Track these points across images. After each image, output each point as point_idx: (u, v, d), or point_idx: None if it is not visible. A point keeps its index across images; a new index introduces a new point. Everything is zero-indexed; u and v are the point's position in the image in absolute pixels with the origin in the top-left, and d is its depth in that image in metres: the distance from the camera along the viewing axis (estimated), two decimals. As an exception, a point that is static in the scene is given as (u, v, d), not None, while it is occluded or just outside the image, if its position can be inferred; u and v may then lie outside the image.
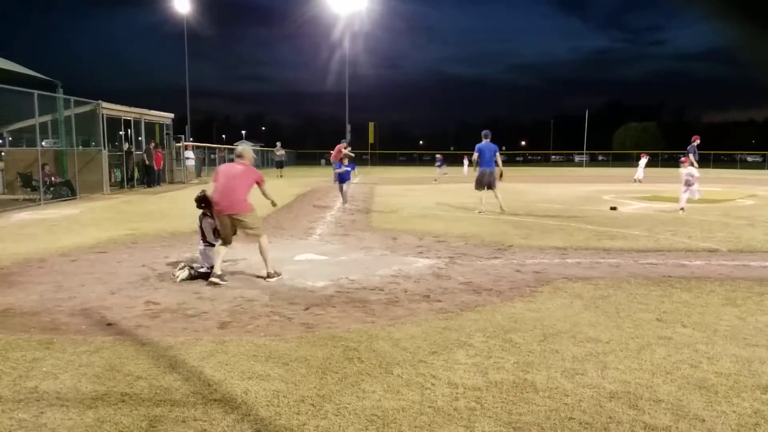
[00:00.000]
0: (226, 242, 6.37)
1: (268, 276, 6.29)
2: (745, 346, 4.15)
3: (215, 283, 5.98)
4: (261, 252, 6.37)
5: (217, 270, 6.14)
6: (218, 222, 6.36)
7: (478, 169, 12.88)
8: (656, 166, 48.01)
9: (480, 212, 12.75)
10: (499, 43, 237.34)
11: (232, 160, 6.92)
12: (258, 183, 6.43)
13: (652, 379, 3.56)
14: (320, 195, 18.56)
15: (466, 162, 36.75)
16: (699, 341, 4.26)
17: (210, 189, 6.44)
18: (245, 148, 6.84)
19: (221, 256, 6.29)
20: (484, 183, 12.82)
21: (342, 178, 14.14)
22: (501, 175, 13.07)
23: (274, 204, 6.83)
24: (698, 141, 19.49)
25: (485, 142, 12.76)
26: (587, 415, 3.07)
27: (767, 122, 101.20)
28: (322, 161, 53.87)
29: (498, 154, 12.83)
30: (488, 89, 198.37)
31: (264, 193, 6.56)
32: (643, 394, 3.33)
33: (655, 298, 5.50)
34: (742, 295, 5.64)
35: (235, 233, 6.38)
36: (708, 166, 51.10)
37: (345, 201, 14.20)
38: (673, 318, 4.85)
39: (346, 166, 14.31)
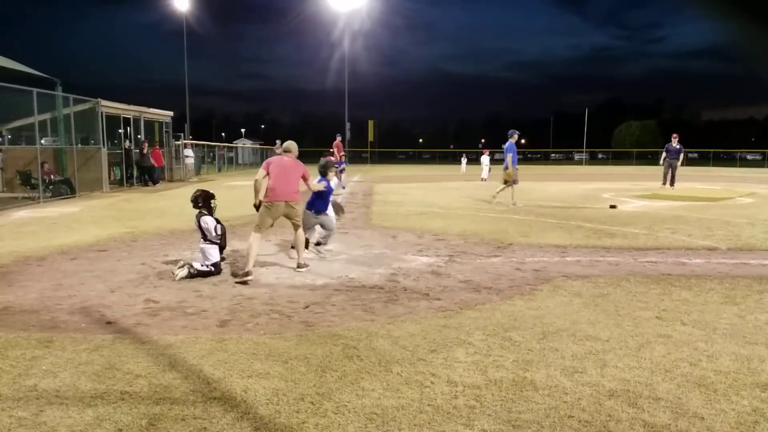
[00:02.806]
0: (263, 231, 6.58)
1: (299, 266, 6.67)
2: (745, 344, 4.15)
3: (244, 282, 6.00)
4: (297, 242, 6.78)
5: (250, 266, 6.21)
6: (267, 210, 6.51)
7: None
8: (656, 164, 47.98)
9: (514, 204, 13.76)
10: (499, 40, 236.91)
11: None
12: (304, 177, 6.77)
13: (651, 377, 3.56)
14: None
15: (464, 160, 36.89)
16: (698, 339, 4.26)
17: (260, 175, 6.55)
18: (291, 143, 7.00)
19: (256, 250, 6.38)
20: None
21: (320, 207, 7.42)
22: (507, 174, 13.95)
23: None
24: (677, 138, 20.00)
25: (508, 142, 13.93)
26: (586, 413, 3.07)
27: (767, 120, 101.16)
28: (322, 159, 53.69)
29: (509, 154, 13.71)
30: (488, 87, 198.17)
31: (312, 188, 7.03)
32: (642, 392, 3.34)
33: (655, 296, 5.51)
34: (742, 293, 5.64)
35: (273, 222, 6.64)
36: (708, 164, 51.10)
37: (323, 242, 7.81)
38: (672, 316, 4.86)
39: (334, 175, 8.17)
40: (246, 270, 6.17)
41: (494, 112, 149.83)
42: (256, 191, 6.66)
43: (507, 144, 13.87)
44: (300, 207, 6.70)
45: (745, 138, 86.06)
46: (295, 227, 6.77)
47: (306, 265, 6.69)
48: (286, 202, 6.55)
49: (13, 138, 20.55)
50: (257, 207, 6.72)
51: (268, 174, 6.57)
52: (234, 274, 6.17)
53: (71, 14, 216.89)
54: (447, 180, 26.95)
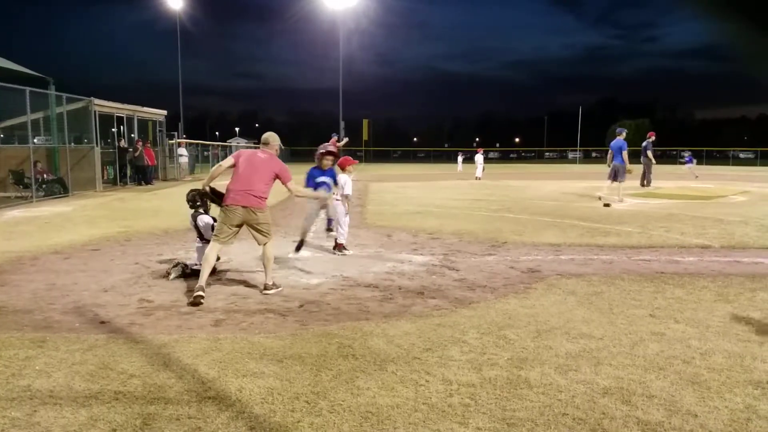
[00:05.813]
0: (225, 242, 5.58)
1: (266, 288, 5.61)
2: (737, 342, 4.17)
3: (196, 303, 5.12)
4: (264, 259, 5.69)
5: (203, 282, 5.36)
6: (224, 215, 5.52)
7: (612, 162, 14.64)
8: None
9: (600, 197, 14.46)
10: (493, 39, 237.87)
11: (226, 156, 6.64)
12: (280, 178, 5.65)
13: (645, 374, 3.58)
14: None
15: (460, 158, 36.89)
16: (692, 337, 4.29)
17: (226, 163, 5.68)
18: (270, 134, 5.96)
19: (211, 264, 5.50)
20: (612, 174, 14.56)
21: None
22: (629, 171, 14.67)
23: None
24: (653, 138, 19.65)
25: (615, 139, 14.64)
26: (581, 410, 3.08)
27: (760, 119, 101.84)
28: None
29: (624, 151, 14.29)
30: (482, 86, 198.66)
31: (294, 192, 5.97)
32: (636, 389, 3.35)
33: (648, 294, 5.53)
34: (735, 291, 5.67)
35: (239, 228, 5.60)
36: (701, 163, 51.24)
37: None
38: (665, 314, 4.88)
39: (325, 176, 7.80)
40: (198, 285, 5.31)
41: (488, 111, 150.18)
42: (211, 176, 5.77)
43: (621, 142, 14.36)
44: (264, 216, 5.57)
45: (738, 137, 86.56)
46: (259, 241, 5.64)
47: (277, 287, 5.65)
48: (244, 207, 5.45)
49: (6, 137, 20.44)
50: (204, 193, 6.00)
51: (235, 165, 5.60)
52: (201, 289, 5.26)
53: (64, 13, 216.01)
54: (442, 179, 27.00)
